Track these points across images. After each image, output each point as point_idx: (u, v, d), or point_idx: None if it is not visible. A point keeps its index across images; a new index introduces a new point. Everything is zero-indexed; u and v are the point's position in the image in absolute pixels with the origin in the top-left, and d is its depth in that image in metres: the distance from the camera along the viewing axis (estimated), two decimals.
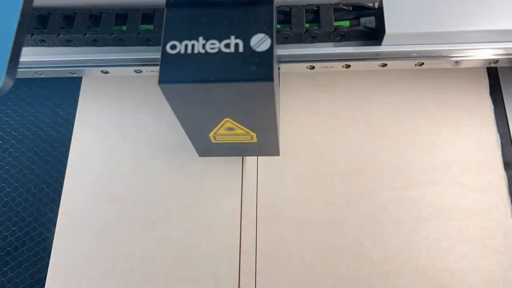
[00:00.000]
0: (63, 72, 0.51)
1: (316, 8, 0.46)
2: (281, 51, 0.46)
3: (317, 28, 0.45)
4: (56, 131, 0.56)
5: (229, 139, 0.43)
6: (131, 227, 0.50)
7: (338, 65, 0.48)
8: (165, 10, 0.36)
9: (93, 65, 0.49)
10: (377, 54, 0.46)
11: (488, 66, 0.49)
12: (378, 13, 0.45)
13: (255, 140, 0.44)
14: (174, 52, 0.34)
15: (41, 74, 0.51)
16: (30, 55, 0.49)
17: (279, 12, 0.46)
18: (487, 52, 0.45)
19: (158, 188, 0.51)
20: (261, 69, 0.33)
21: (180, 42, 0.34)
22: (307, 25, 0.46)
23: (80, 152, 0.54)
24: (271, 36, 0.34)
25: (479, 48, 0.44)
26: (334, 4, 0.46)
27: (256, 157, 0.52)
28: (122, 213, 0.51)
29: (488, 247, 0.46)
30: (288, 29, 0.45)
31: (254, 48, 0.34)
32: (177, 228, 0.50)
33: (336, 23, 0.45)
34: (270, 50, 0.33)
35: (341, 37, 0.46)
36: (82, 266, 0.49)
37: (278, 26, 0.46)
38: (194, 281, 0.47)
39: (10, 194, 0.54)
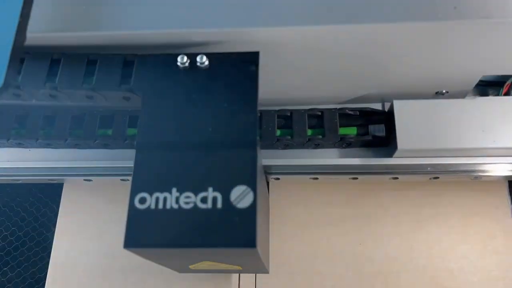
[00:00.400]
0: (42, 180, 0.47)
1: (320, 113, 0.41)
2: (281, 161, 0.42)
3: (321, 137, 0.41)
4: None
5: (211, 268, 0.39)
6: None
7: (344, 178, 0.43)
8: (135, 153, 0.31)
9: (75, 173, 0.45)
10: (388, 167, 0.41)
11: (510, 179, 0.46)
12: (388, 118, 0.41)
13: (240, 268, 0.40)
14: (143, 207, 0.29)
15: (19, 181, 0.47)
16: (5, 160, 0.44)
17: (279, 116, 0.41)
18: (508, 167, 0.41)
19: None
20: (243, 232, 0.28)
21: (151, 194, 0.30)
22: (309, 131, 0.41)
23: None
24: (253, 189, 0.29)
25: (500, 163, 0.40)
26: (340, 108, 0.41)
27: None
28: (121, 213, 0.50)
29: (488, 247, 0.46)
30: (289, 137, 0.41)
31: (234, 203, 0.29)
32: None
33: (342, 130, 0.41)
34: (253, 206, 0.29)
35: (348, 145, 0.42)
36: (82, 266, 0.49)
37: (278, 132, 0.41)
38: (194, 281, 0.47)
39: (10, 194, 0.54)
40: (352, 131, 0.41)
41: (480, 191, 0.48)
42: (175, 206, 0.29)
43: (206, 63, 0.33)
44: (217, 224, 0.29)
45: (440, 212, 0.48)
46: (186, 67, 0.33)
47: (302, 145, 0.42)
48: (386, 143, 0.41)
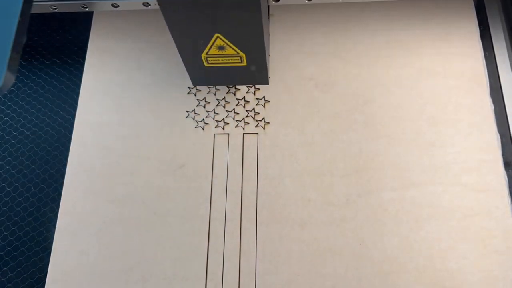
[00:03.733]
0: (76, 6, 0.54)
1: None
2: None
3: None
4: (56, 131, 0.57)
5: (220, 61, 0.45)
6: (131, 227, 0.50)
7: None
8: None
9: None
10: None
11: None
12: None
13: (245, 63, 0.45)
14: None
15: (55, 9, 0.54)
16: None
17: None
18: None
19: (158, 188, 0.51)
20: None
21: None
22: None
23: (80, 152, 0.54)
24: None
25: None
26: None
27: (256, 156, 0.52)
28: (122, 213, 0.51)
29: (488, 247, 0.46)
30: None
31: None
32: (177, 228, 0.50)
33: None
34: None
35: None
36: (82, 265, 0.49)
37: None
38: (194, 281, 0.47)
39: (10, 194, 0.54)
40: None
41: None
42: None
43: None
44: None
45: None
46: None
47: None
48: None
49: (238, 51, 0.44)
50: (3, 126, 0.57)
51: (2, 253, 0.52)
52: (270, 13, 0.57)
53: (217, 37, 0.42)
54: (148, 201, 0.51)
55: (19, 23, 0.31)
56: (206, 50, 0.44)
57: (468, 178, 0.49)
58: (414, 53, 0.55)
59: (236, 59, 0.45)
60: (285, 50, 0.56)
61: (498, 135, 0.51)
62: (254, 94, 0.55)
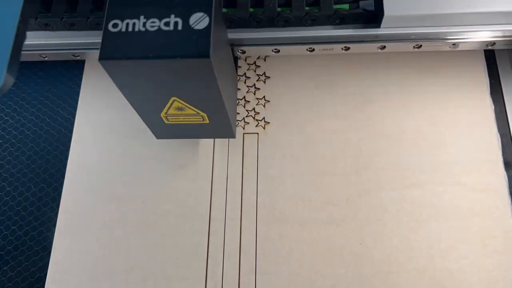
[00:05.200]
0: (67, 55, 0.52)
1: None
2: (282, 33, 0.48)
3: (317, 10, 0.46)
4: (57, 131, 0.57)
5: (181, 119, 0.44)
6: (131, 226, 0.50)
7: (338, 48, 0.49)
8: None
9: (96, 48, 0.49)
10: (376, 36, 0.47)
11: (485, 48, 0.51)
12: None
13: (207, 121, 0.44)
14: (115, 30, 0.35)
15: (45, 57, 0.52)
16: (34, 38, 0.50)
17: None
18: (484, 34, 0.46)
19: (158, 187, 0.51)
20: (199, 46, 0.34)
21: (122, 20, 0.35)
22: (306, 8, 0.47)
23: (80, 151, 0.54)
24: (209, 15, 0.35)
25: (476, 30, 0.46)
26: None
27: (256, 156, 0.52)
28: (122, 213, 0.51)
29: (488, 247, 0.46)
30: (288, 12, 0.46)
31: (193, 26, 0.35)
32: (177, 227, 0.50)
33: (335, 6, 0.47)
34: (209, 27, 0.35)
35: (341, 20, 0.47)
36: (82, 265, 0.49)
37: (279, 9, 0.47)
38: (194, 281, 0.47)
39: (10, 193, 0.54)
40: (345, 6, 0.47)
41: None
42: (142, 29, 0.35)
43: None
44: (177, 41, 0.35)
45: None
46: None
47: (300, 21, 0.47)
48: (375, 18, 0.47)
49: (198, 111, 0.43)
50: (3, 125, 0.57)
51: (2, 252, 0.52)
52: None
53: (174, 100, 0.41)
54: (148, 200, 0.51)
55: (20, 22, 0.31)
56: (165, 110, 0.43)
57: (468, 178, 0.49)
58: (416, 54, 0.55)
59: (197, 118, 0.44)
60: None
61: (499, 135, 0.51)
62: (254, 94, 0.55)
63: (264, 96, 0.54)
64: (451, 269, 0.46)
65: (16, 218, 0.53)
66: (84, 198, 0.52)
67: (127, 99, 0.42)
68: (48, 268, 0.49)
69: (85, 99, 0.56)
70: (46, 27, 0.50)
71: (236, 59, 0.56)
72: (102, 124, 0.55)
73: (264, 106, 0.54)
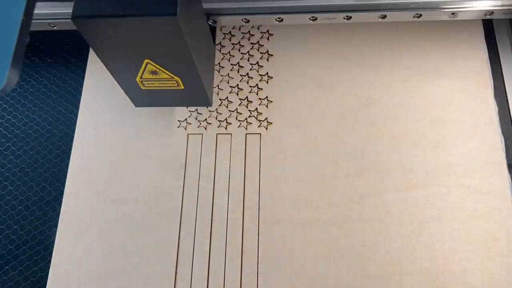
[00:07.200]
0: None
1: None
2: (285, 2, 0.48)
3: None
4: (59, 130, 0.56)
5: (156, 85, 0.45)
6: (132, 226, 0.50)
7: (340, 17, 0.49)
8: None
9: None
10: (377, 6, 0.48)
11: (483, 18, 0.51)
12: None
13: (181, 86, 0.45)
14: None
15: (54, 26, 0.53)
16: (43, 7, 0.50)
17: None
18: (483, 4, 0.47)
19: (160, 187, 0.51)
20: (167, 4, 0.35)
21: None
22: None
23: (82, 151, 0.54)
24: None
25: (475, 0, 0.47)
26: None
27: (259, 156, 0.52)
28: (123, 213, 0.51)
29: (491, 249, 0.46)
30: None
31: None
32: (179, 228, 0.49)
33: None
34: None
35: None
36: (83, 264, 0.49)
37: None
38: (195, 281, 0.47)
39: (13, 193, 0.54)
40: None
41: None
42: None
43: None
44: (147, 1, 0.36)
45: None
46: None
47: None
48: None
49: (172, 75, 0.43)
50: (5, 125, 0.57)
51: (4, 252, 0.52)
52: None
53: (148, 63, 0.42)
54: (150, 200, 0.51)
55: (23, 22, 0.30)
56: (140, 74, 0.43)
57: (471, 180, 0.49)
58: (419, 54, 0.54)
59: (172, 83, 0.45)
60: (288, 49, 0.56)
61: (502, 137, 0.50)
62: (257, 94, 0.55)
63: (267, 96, 0.54)
64: (454, 271, 0.46)
65: (18, 217, 0.53)
66: (86, 197, 0.52)
67: (103, 63, 0.42)
68: (50, 267, 0.49)
69: (87, 99, 0.56)
70: None
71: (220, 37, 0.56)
72: (104, 124, 0.55)
73: (266, 107, 0.54)
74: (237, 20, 0.51)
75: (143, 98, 0.48)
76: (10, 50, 0.29)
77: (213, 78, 0.54)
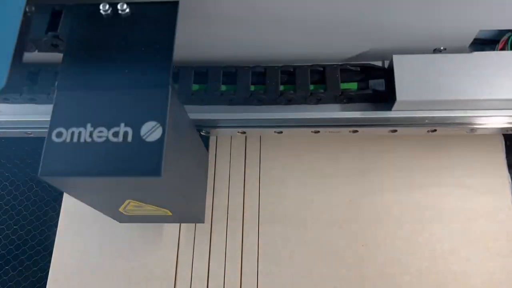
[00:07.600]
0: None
1: (321, 69, 0.42)
2: (284, 114, 0.43)
3: (322, 91, 0.42)
4: None
5: (141, 212, 0.41)
6: (132, 226, 0.50)
7: (345, 130, 0.45)
8: (55, 93, 0.34)
9: None
10: (387, 120, 0.43)
11: (505, 133, 0.47)
12: (388, 75, 0.41)
13: (169, 213, 0.42)
14: (59, 140, 0.32)
15: (30, 134, 0.48)
16: (18, 113, 0.46)
17: (282, 72, 0.42)
18: (503, 120, 0.42)
19: None
20: (149, 162, 0.31)
21: (67, 129, 0.32)
22: (312, 87, 0.42)
23: None
24: (163, 124, 0.32)
25: (495, 115, 0.41)
26: (341, 64, 0.42)
27: (259, 156, 0.52)
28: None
29: (491, 249, 0.46)
30: (292, 92, 0.42)
31: (144, 137, 0.31)
32: (179, 227, 0.49)
33: (343, 85, 0.42)
34: (161, 140, 0.31)
35: (348, 99, 0.43)
36: (83, 265, 0.49)
37: (282, 87, 0.43)
38: (196, 281, 0.47)
39: (12, 193, 0.54)
40: (353, 86, 0.42)
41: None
42: (89, 139, 0.32)
43: (127, 10, 0.35)
44: (126, 155, 0.31)
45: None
46: (108, 14, 0.35)
47: (304, 100, 0.43)
48: (386, 98, 0.42)
49: (158, 208, 0.40)
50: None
51: (4, 251, 0.52)
52: None
53: (129, 202, 0.38)
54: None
55: (22, 22, 0.30)
56: (122, 208, 0.40)
57: (472, 180, 0.49)
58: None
59: (159, 212, 0.41)
60: None
61: (502, 137, 0.50)
62: None
63: None
64: (454, 271, 0.46)
65: (18, 217, 0.53)
66: None
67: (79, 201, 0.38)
68: (50, 267, 0.49)
69: None
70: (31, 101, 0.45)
71: None
72: None
73: None
74: (233, 131, 0.47)
75: (128, 218, 0.45)
76: (10, 50, 0.29)
77: (205, 194, 0.50)
